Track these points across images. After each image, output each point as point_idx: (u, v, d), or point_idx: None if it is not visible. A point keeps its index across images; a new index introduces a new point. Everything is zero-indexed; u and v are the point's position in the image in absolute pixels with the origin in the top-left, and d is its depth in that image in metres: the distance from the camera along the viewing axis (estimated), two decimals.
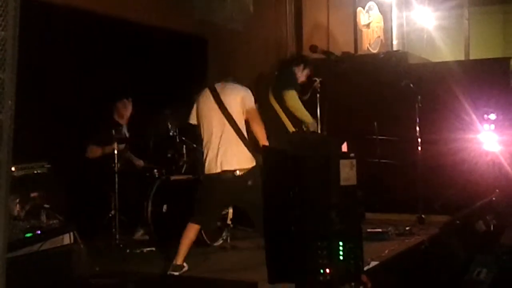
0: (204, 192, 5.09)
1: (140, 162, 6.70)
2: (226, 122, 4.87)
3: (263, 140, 4.87)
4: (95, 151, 6.31)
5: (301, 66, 6.52)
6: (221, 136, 4.88)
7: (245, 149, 4.87)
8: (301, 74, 6.51)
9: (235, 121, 4.87)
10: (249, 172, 4.82)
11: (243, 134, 4.90)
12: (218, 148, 4.87)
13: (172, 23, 7.28)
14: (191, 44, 7.67)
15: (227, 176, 4.83)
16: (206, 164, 4.94)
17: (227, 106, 4.90)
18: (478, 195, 6.29)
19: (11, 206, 4.65)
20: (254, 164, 4.85)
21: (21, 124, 2.05)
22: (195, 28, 7.66)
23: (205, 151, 4.97)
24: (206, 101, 4.99)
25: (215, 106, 4.92)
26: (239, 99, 4.91)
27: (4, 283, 1.80)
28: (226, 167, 4.83)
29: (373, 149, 7.74)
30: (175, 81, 7.16)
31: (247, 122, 4.95)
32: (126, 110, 6.60)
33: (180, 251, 4.84)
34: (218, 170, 4.86)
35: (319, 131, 6.47)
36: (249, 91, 5.02)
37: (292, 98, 6.25)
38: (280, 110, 6.29)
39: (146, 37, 6.99)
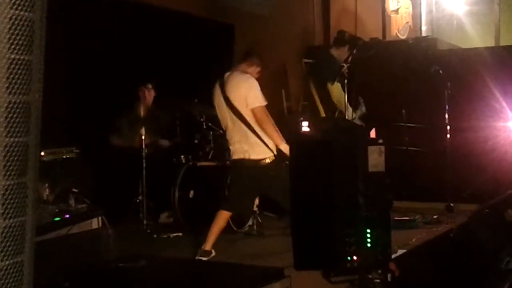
0: (231, 179, 5.20)
1: (165, 142, 6.71)
2: (236, 119, 4.86)
3: (278, 140, 4.81)
4: (124, 136, 6.39)
5: (346, 47, 6.37)
6: (234, 129, 4.91)
7: (259, 140, 4.83)
8: (345, 54, 6.38)
9: (244, 117, 4.85)
10: (271, 162, 4.84)
11: (253, 128, 4.84)
12: (235, 141, 4.93)
13: (199, 8, 7.26)
14: (218, 30, 7.64)
15: (248, 164, 4.87)
16: (231, 150, 5.05)
17: (233, 101, 4.86)
18: (508, 183, 6.20)
19: (40, 190, 4.70)
20: (271, 154, 4.85)
21: (50, 109, 2.05)
22: (222, 13, 7.63)
23: (228, 141, 5.06)
24: (216, 95, 5.01)
25: (223, 102, 4.92)
26: (243, 98, 4.84)
27: (32, 266, 1.81)
28: (243, 156, 4.89)
29: (401, 136, 7.65)
30: (202, 67, 7.15)
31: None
32: (149, 95, 6.63)
33: (209, 237, 4.86)
34: (237, 157, 4.94)
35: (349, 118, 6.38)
36: (253, 84, 4.86)
37: (338, 92, 6.17)
38: (317, 98, 6.19)
39: (174, 23, 6.98)
